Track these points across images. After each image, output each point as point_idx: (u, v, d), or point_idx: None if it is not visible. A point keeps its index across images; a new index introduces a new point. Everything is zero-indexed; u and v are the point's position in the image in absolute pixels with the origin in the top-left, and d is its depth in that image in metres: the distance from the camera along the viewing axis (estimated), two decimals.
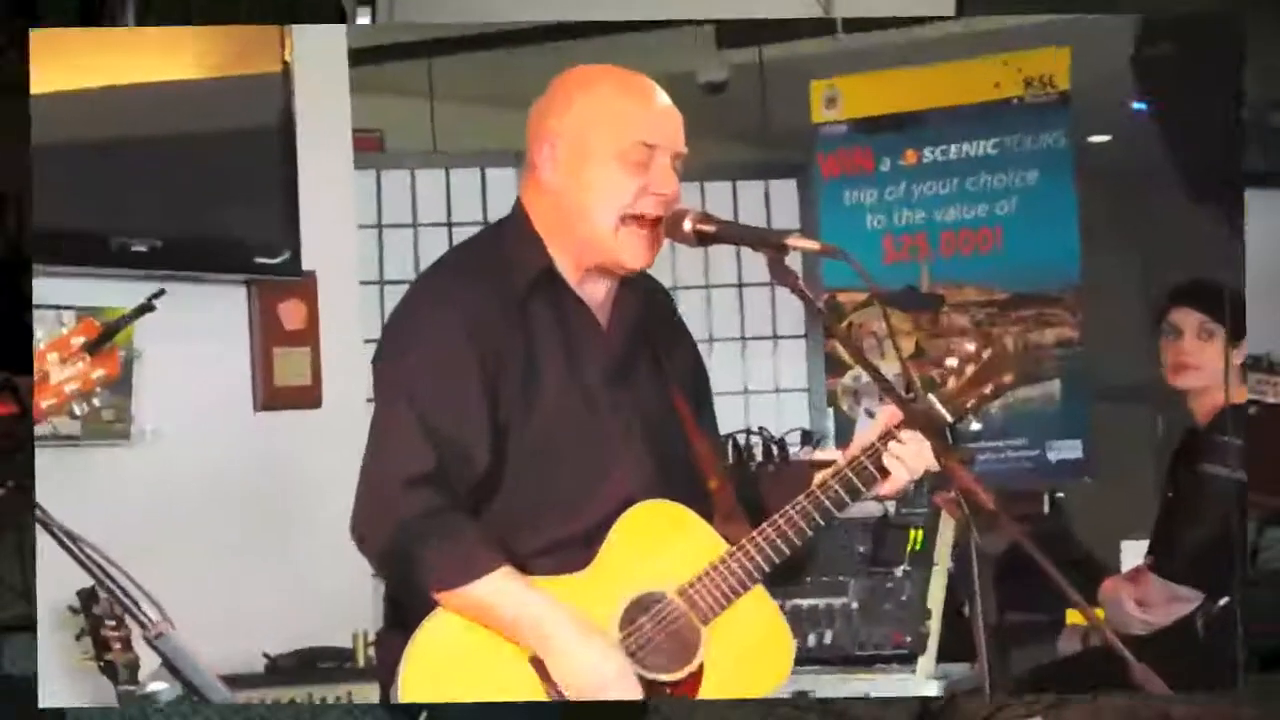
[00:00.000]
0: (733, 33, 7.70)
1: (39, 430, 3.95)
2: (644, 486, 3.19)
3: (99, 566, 2.12)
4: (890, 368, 5.60)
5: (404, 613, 3.13)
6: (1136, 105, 4.99)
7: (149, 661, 3.61)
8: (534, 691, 3.09)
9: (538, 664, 3.09)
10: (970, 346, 3.29)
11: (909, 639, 4.39)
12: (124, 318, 2.55)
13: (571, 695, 3.08)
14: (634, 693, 3.10)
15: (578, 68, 3.30)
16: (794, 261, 3.18)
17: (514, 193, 3.31)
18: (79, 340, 2.53)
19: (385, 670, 3.15)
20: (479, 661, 3.09)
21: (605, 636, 3.11)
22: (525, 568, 3.11)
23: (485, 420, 3.11)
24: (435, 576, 3.06)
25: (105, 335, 2.56)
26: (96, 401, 2.57)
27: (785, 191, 7.52)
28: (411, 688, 3.07)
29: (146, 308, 2.54)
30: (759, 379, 7.34)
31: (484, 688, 3.09)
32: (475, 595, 3.05)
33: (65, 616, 4.16)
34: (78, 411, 2.53)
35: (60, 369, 2.50)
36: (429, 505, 3.05)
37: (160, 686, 3.93)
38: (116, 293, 4.52)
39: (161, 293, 2.61)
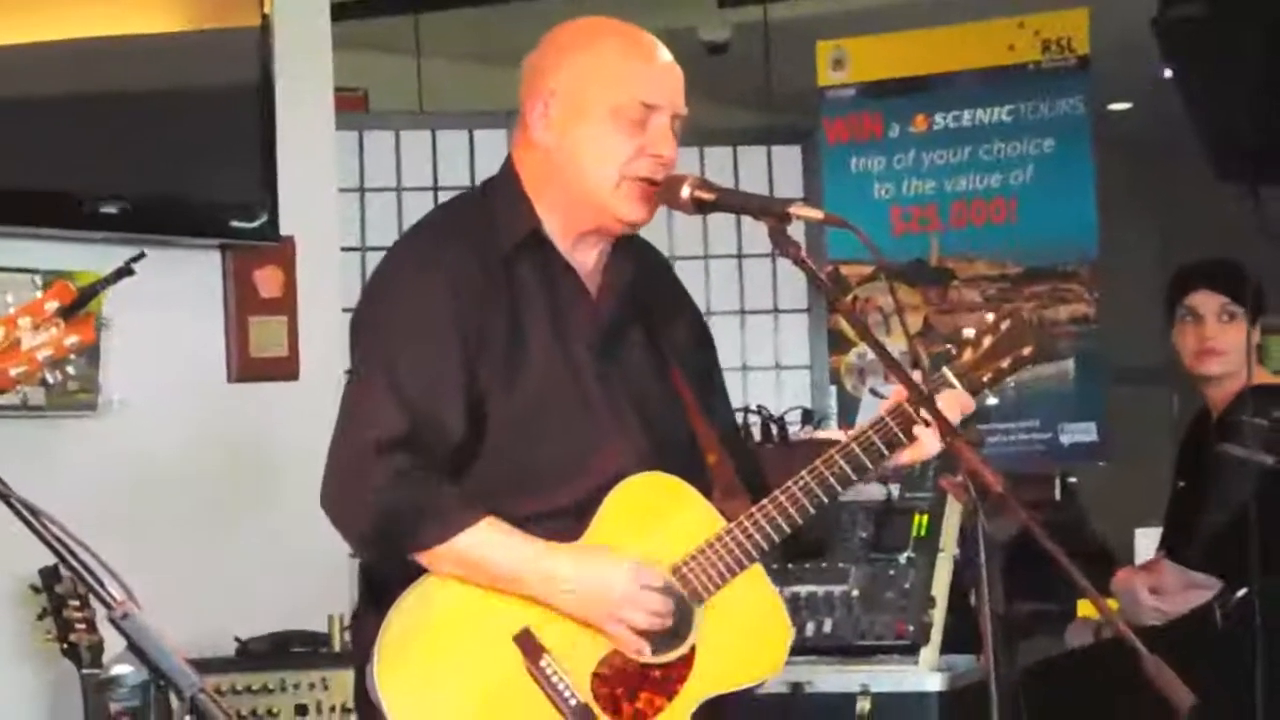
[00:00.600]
0: None
1: (5, 400, 3.86)
2: (636, 459, 3.09)
3: (62, 543, 2.02)
4: (897, 344, 5.53)
5: (380, 591, 3.05)
6: (1167, 71, 4.86)
7: (114, 643, 3.52)
8: (517, 672, 2.98)
9: (523, 640, 3.00)
10: (989, 317, 3.18)
11: (912, 629, 4.31)
12: (101, 281, 2.48)
13: (594, 616, 2.99)
14: (658, 580, 3.00)
15: (575, 20, 3.20)
16: (797, 232, 3.07)
17: (503, 155, 3.21)
18: (53, 305, 2.42)
19: (360, 652, 3.06)
20: (460, 638, 3.01)
21: (607, 551, 3.01)
22: None
23: (460, 387, 3.02)
24: (415, 537, 2.97)
25: (81, 300, 2.47)
26: (71, 369, 2.45)
27: (789, 158, 7.47)
28: (388, 669, 2.97)
29: (125, 271, 2.46)
30: (759, 355, 7.32)
31: (465, 666, 3.00)
32: (460, 549, 2.97)
33: (26, 595, 4.09)
34: (50, 380, 2.42)
35: (33, 335, 2.39)
36: (401, 467, 2.97)
37: (125, 670, 3.87)
38: (87, 256, 4.42)
39: (141, 255, 2.55)
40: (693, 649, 3.06)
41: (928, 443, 3.08)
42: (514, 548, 2.99)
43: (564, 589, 2.99)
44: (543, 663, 2.99)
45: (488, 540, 2.98)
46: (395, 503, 2.97)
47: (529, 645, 3.00)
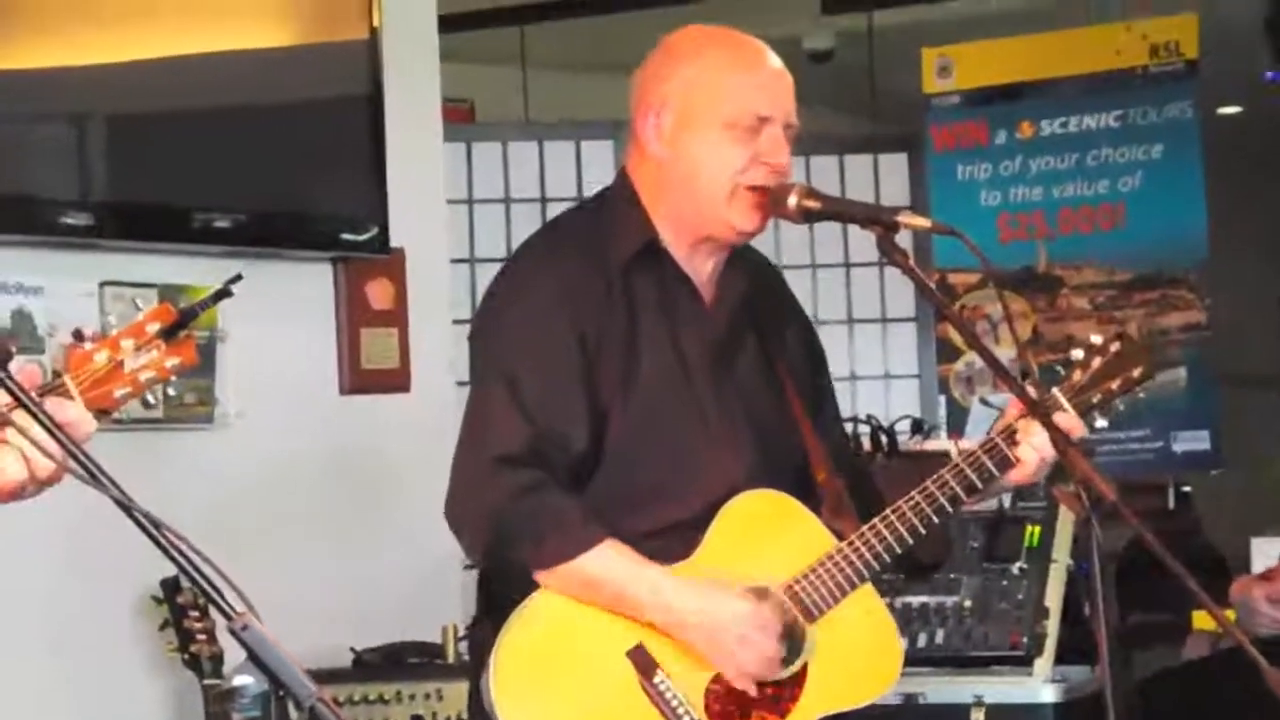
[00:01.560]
0: None
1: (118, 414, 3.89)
2: (747, 474, 3.08)
3: (182, 554, 2.02)
4: (1005, 352, 5.49)
5: (497, 602, 3.05)
6: (1270, 75, 4.80)
7: (234, 654, 3.55)
8: (631, 688, 2.98)
9: (637, 656, 2.99)
10: (1097, 339, 3.15)
11: (1025, 639, 4.26)
12: (201, 303, 2.48)
13: (708, 652, 2.97)
14: (773, 628, 2.98)
15: (684, 30, 3.19)
16: (904, 240, 3.05)
17: (610, 165, 3.23)
18: (154, 327, 2.43)
19: (476, 663, 3.06)
20: (575, 652, 3.00)
21: (729, 589, 2.99)
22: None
23: (583, 397, 3.02)
24: (535, 555, 2.97)
25: (181, 321, 2.45)
26: (170, 390, 2.44)
27: (895, 165, 7.44)
28: (503, 680, 2.97)
29: (224, 293, 2.46)
30: (867, 364, 7.29)
31: (579, 680, 2.99)
32: (580, 570, 2.96)
33: (148, 606, 4.12)
34: (150, 400, 2.42)
35: (135, 357, 2.40)
36: (524, 482, 2.96)
37: (246, 680, 3.89)
38: (199, 270, 4.46)
39: (238, 278, 2.54)
40: (805, 667, 3.04)
41: (1032, 464, 3.06)
42: (633, 573, 2.97)
43: (681, 620, 2.97)
44: (656, 679, 2.98)
45: (607, 563, 2.97)
46: (517, 520, 2.96)
47: (643, 661, 2.99)
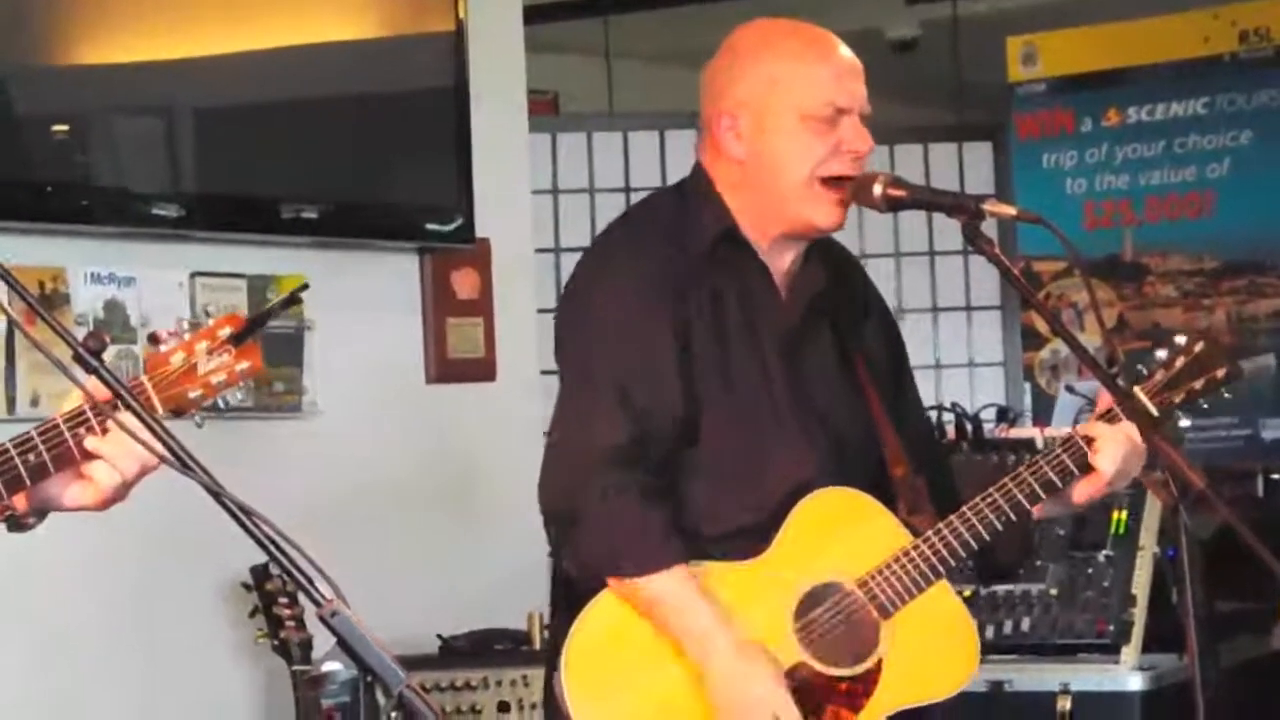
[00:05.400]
0: None
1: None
2: (820, 470, 3.06)
3: (272, 542, 2.05)
4: (1091, 340, 5.46)
5: (571, 594, 3.04)
6: None
7: (322, 640, 3.58)
8: (700, 678, 2.97)
9: None
10: (1181, 339, 3.13)
11: (1112, 627, 4.24)
12: (269, 311, 2.53)
13: (724, 711, 2.96)
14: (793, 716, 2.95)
15: (752, 24, 3.15)
16: (989, 228, 3.04)
17: (693, 154, 3.19)
18: (225, 331, 2.47)
19: (551, 657, 3.06)
20: (646, 646, 2.98)
21: (769, 663, 2.97)
22: (708, 552, 3.00)
23: (679, 389, 3.00)
24: (614, 561, 2.96)
25: (250, 328, 2.51)
26: (239, 395, 2.49)
27: (979, 154, 7.40)
28: (575, 674, 2.97)
29: (293, 300, 2.49)
30: (952, 352, 7.26)
31: (651, 676, 2.99)
32: (646, 589, 2.96)
33: (238, 593, 4.16)
34: (221, 405, 2.47)
35: (207, 360, 2.43)
36: (617, 484, 2.94)
37: (335, 666, 3.92)
38: (288, 260, 4.52)
39: (305, 286, 2.57)
40: (880, 662, 3.03)
41: (1107, 475, 3.03)
42: (687, 613, 2.95)
43: (713, 674, 2.94)
44: (706, 689, 2.96)
45: (667, 593, 2.95)
46: (605, 525, 2.95)
47: None
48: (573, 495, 2.97)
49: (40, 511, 2.42)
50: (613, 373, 2.99)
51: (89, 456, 2.36)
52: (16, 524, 2.42)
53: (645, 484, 2.96)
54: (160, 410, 2.39)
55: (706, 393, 3.02)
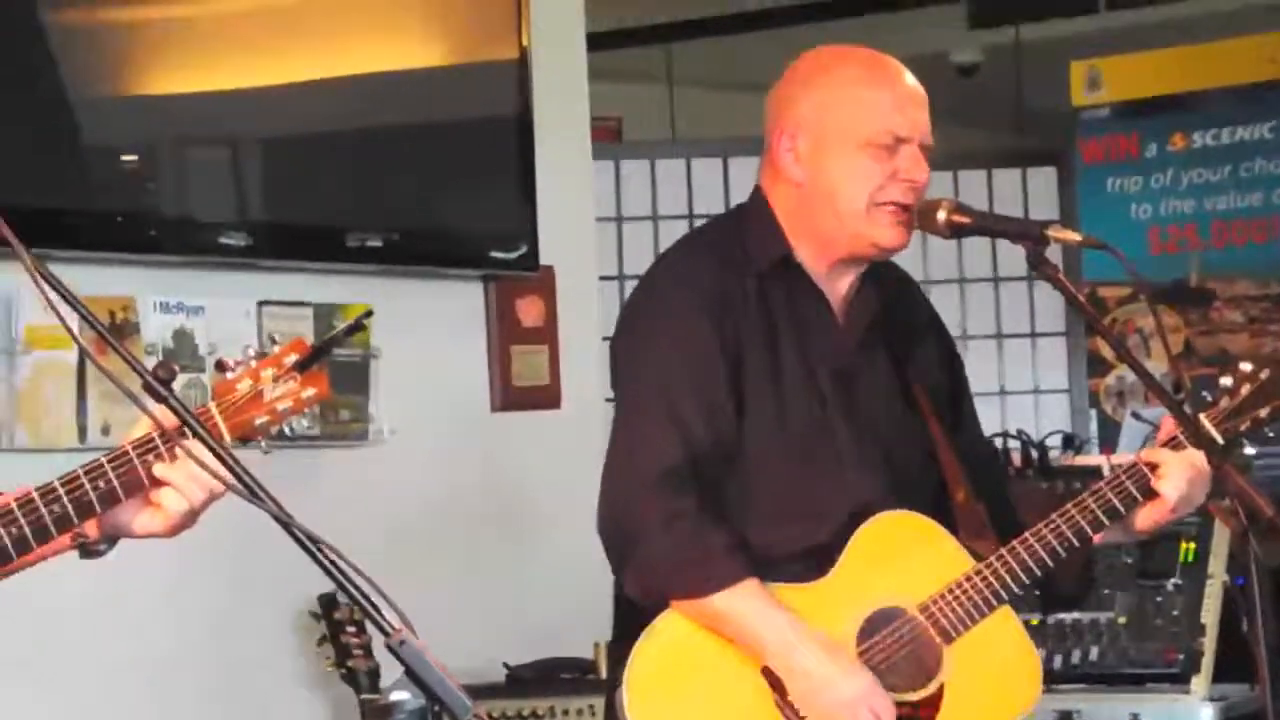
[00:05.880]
0: (986, 11, 7.61)
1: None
2: (878, 495, 3.06)
3: (340, 570, 2.05)
4: (1157, 366, 5.42)
5: (633, 618, 3.04)
6: None
7: (390, 668, 3.58)
8: (765, 705, 2.97)
9: (770, 674, 2.98)
10: (1247, 366, 3.10)
11: (1182, 656, 4.19)
12: (334, 337, 2.54)
13: (816, 712, 2.95)
14: (888, 707, 2.96)
15: (817, 50, 3.18)
16: (1054, 254, 3.04)
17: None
18: (291, 359, 2.48)
19: (612, 679, 3.06)
20: (708, 669, 2.99)
21: (851, 657, 2.98)
22: (766, 574, 2.99)
23: (732, 413, 3.01)
24: (678, 581, 2.96)
25: (316, 354, 2.52)
26: (305, 422, 2.50)
27: (1043, 179, 7.37)
28: (637, 697, 2.97)
29: (356, 327, 2.50)
30: (1017, 379, 7.23)
31: (713, 697, 2.99)
32: (717, 606, 2.95)
33: (306, 622, 4.18)
34: (288, 431, 2.48)
35: (273, 387, 2.44)
36: (676, 508, 2.95)
37: (403, 695, 3.93)
38: (353, 288, 4.53)
39: (369, 313, 2.58)
40: (941, 688, 3.02)
41: (1170, 500, 3.03)
42: (765, 622, 2.95)
43: (800, 678, 2.95)
44: (791, 696, 2.97)
45: (743, 606, 2.95)
46: (665, 546, 2.95)
47: (778, 678, 2.98)
48: (631, 518, 2.98)
49: (111, 538, 2.44)
50: (664, 395, 3.00)
51: (158, 484, 2.38)
52: (88, 550, 2.43)
53: (702, 503, 2.97)
54: (228, 437, 2.41)
55: (760, 419, 3.02)
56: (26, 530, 2.32)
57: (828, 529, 3.03)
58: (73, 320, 2.17)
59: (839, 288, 3.13)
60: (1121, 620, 4.27)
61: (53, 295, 2.16)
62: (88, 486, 2.34)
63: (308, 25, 4.50)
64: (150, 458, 2.36)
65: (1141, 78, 7.11)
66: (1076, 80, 7.20)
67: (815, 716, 2.95)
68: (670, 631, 2.99)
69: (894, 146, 3.03)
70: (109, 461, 2.36)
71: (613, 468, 3.05)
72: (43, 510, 2.32)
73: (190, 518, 2.40)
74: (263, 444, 2.47)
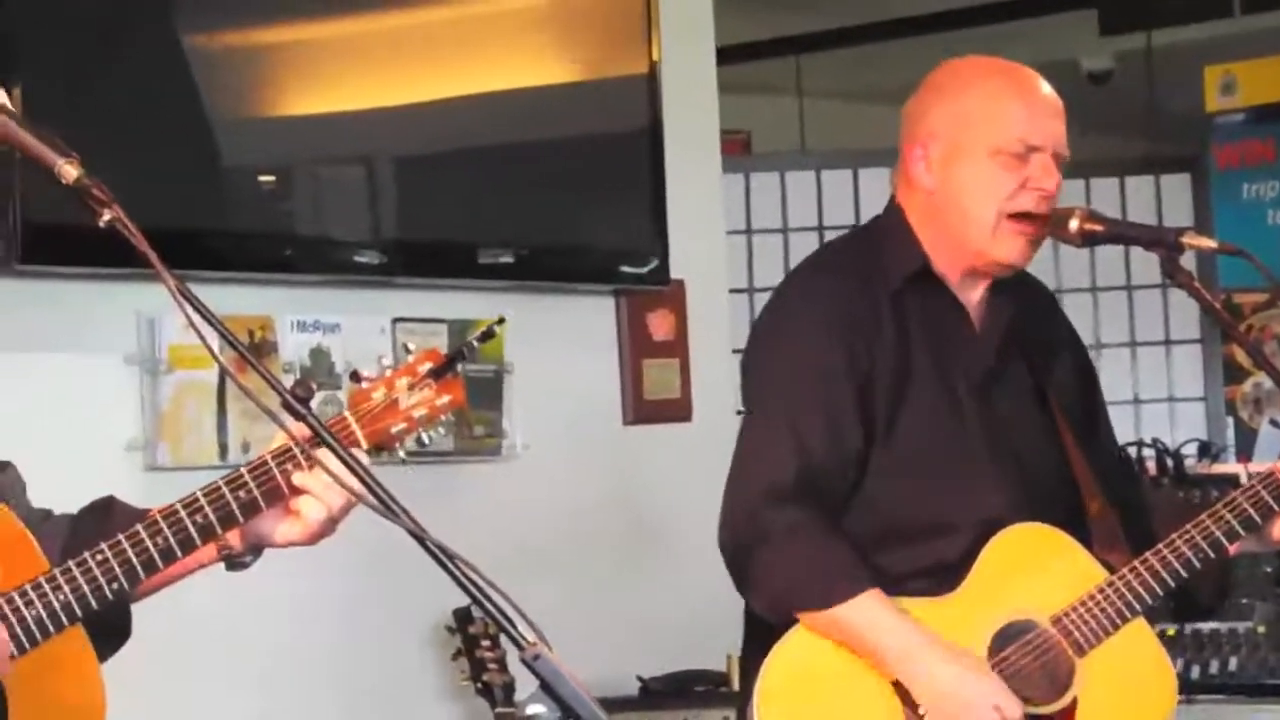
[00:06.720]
0: (1118, 17, 7.53)
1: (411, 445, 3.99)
2: (1013, 509, 3.04)
3: (475, 585, 2.06)
4: None
5: (763, 631, 3.05)
6: None
7: (524, 682, 3.60)
8: (894, 716, 2.97)
9: (901, 689, 2.97)
10: None
11: None
12: (467, 344, 2.54)
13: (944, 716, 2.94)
14: (1013, 716, 2.93)
15: (953, 61, 3.17)
16: (1188, 261, 3.03)
17: (887, 193, 3.21)
18: (425, 366, 2.51)
19: (744, 693, 3.07)
20: (839, 683, 2.98)
21: (976, 659, 2.96)
22: (886, 587, 2.99)
23: (856, 427, 3.00)
24: (798, 594, 2.97)
25: (450, 362, 2.53)
26: (441, 430, 2.53)
27: (1177, 186, 7.31)
28: (767, 709, 2.98)
29: (489, 334, 2.51)
30: (1151, 387, 7.17)
31: (844, 710, 2.99)
32: (838, 617, 2.95)
33: (442, 636, 4.20)
34: (425, 441, 2.50)
35: (408, 395, 2.47)
36: (794, 520, 2.96)
37: (539, 709, 3.95)
38: (484, 304, 4.55)
39: (502, 320, 2.58)
40: (1075, 701, 3.00)
41: None
42: (889, 631, 2.95)
43: (924, 685, 2.94)
44: (922, 710, 2.96)
45: (867, 617, 2.95)
46: (784, 559, 2.96)
47: (908, 692, 2.97)
48: (750, 531, 2.98)
49: (255, 549, 2.47)
50: (787, 409, 3.01)
51: (297, 492, 2.40)
52: (233, 562, 2.47)
53: (822, 516, 2.97)
54: (364, 444, 2.43)
55: (890, 433, 3.01)
56: (172, 541, 2.35)
57: (959, 544, 3.02)
58: (213, 340, 2.20)
59: (973, 296, 3.12)
60: (1260, 630, 4.25)
61: (194, 315, 2.19)
62: (229, 496, 2.38)
63: (438, 45, 4.54)
64: (289, 466, 2.39)
65: (1276, 82, 7.03)
66: (1210, 85, 7.12)
67: (942, 716, 2.94)
68: (801, 644, 2.99)
69: (1025, 155, 3.02)
70: (249, 471, 2.39)
71: (734, 481, 3.06)
72: (186, 521, 2.36)
73: (330, 525, 2.43)
74: (401, 453, 2.50)
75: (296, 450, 2.37)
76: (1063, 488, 3.11)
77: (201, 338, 2.19)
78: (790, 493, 2.97)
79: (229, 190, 4.19)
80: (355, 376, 2.50)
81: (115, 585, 2.34)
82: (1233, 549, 3.03)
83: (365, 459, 2.36)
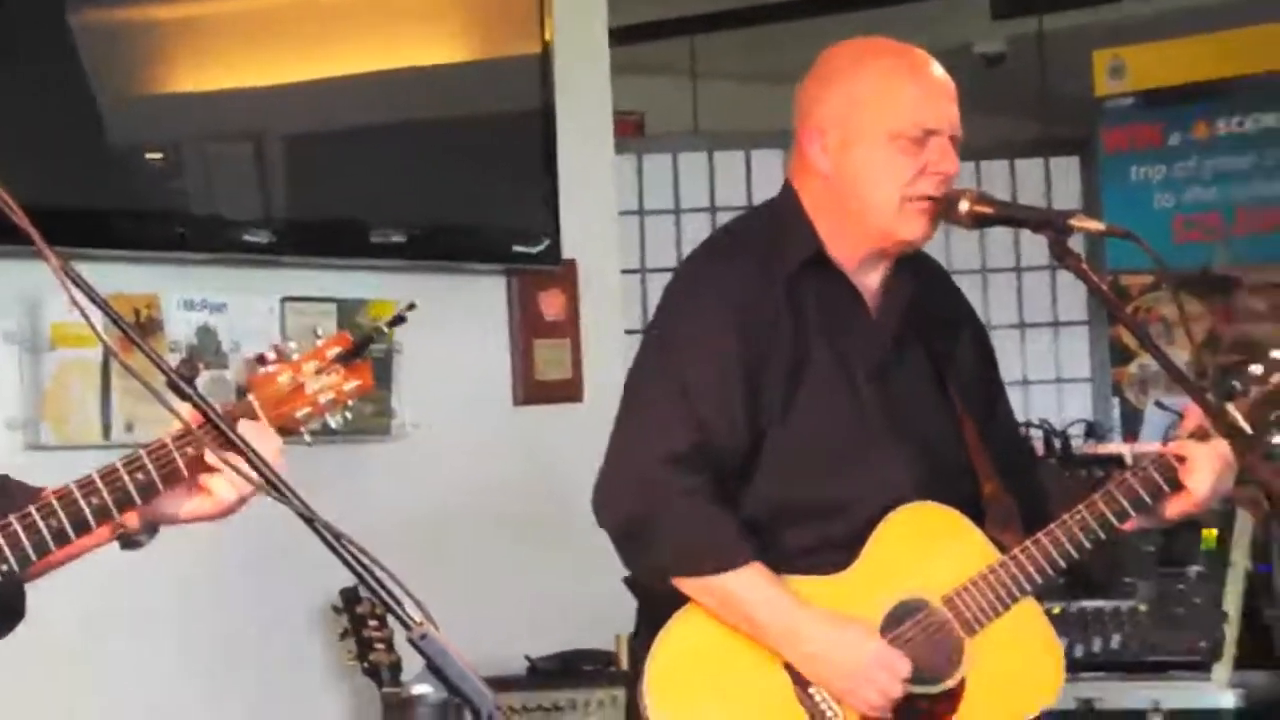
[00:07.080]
0: (1010, 1, 7.58)
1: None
2: (911, 488, 3.05)
3: (362, 565, 2.07)
4: (1180, 355, 5.42)
5: (653, 610, 3.05)
6: None
7: (411, 662, 3.60)
8: (786, 697, 2.97)
9: (793, 670, 2.98)
10: (1278, 353, 3.07)
11: (1204, 644, 4.21)
12: (376, 330, 2.54)
13: (831, 691, 2.96)
14: (901, 673, 2.95)
15: (845, 43, 3.17)
16: (1076, 243, 3.03)
17: (780, 174, 3.21)
18: (334, 351, 2.50)
19: (633, 673, 3.08)
20: (730, 662, 2.99)
21: (862, 627, 2.97)
22: (782, 566, 3.00)
23: (745, 404, 3.01)
24: (680, 561, 2.98)
25: (359, 348, 2.53)
26: (349, 415, 2.54)
27: (1066, 169, 7.37)
28: (658, 691, 2.98)
29: (399, 319, 2.50)
30: (1039, 368, 7.23)
31: (734, 690, 2.99)
32: (718, 586, 2.96)
33: (328, 616, 4.20)
34: (333, 424, 2.49)
35: (315, 379, 2.46)
36: (685, 486, 2.96)
37: (425, 689, 3.93)
38: (375, 284, 4.55)
39: (413, 306, 2.58)
40: (963, 681, 3.02)
41: (1199, 494, 3.02)
42: (768, 606, 2.96)
43: (805, 650, 2.96)
44: (812, 690, 2.98)
45: (747, 586, 2.96)
46: (669, 523, 2.97)
47: (799, 672, 2.99)
48: (646, 495, 2.98)
49: (152, 528, 2.47)
50: (681, 384, 3.00)
51: (207, 470, 2.39)
52: (128, 541, 2.46)
53: (712, 486, 2.98)
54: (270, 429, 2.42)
55: (785, 415, 3.02)
56: (65, 523, 2.34)
57: (857, 524, 3.03)
58: (97, 318, 2.19)
59: (870, 281, 3.12)
60: (1143, 608, 4.28)
61: (78, 293, 2.17)
62: (127, 479, 2.37)
63: (330, 22, 4.51)
64: (189, 450, 2.38)
65: (1164, 66, 7.09)
66: (1099, 69, 7.18)
67: (834, 691, 2.96)
68: (692, 624, 2.99)
69: (923, 139, 3.03)
70: (148, 454, 2.38)
71: (624, 451, 3.05)
72: (81, 503, 2.35)
73: (240, 503, 2.43)
74: (305, 436, 2.49)
75: (198, 434, 2.35)
76: (959, 468, 3.13)
77: (85, 316, 2.18)
78: (686, 461, 2.97)
79: (116, 168, 4.15)
80: (261, 359, 2.49)
81: (4, 566, 2.32)
82: (1127, 526, 3.06)
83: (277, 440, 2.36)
